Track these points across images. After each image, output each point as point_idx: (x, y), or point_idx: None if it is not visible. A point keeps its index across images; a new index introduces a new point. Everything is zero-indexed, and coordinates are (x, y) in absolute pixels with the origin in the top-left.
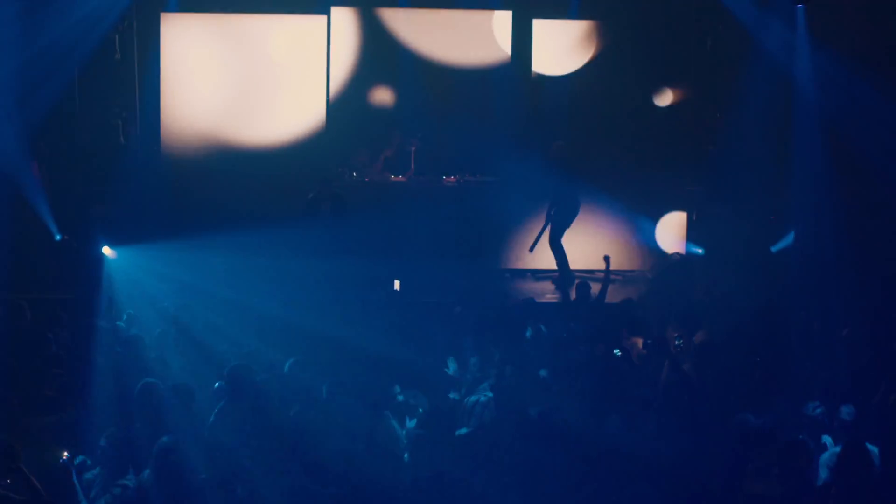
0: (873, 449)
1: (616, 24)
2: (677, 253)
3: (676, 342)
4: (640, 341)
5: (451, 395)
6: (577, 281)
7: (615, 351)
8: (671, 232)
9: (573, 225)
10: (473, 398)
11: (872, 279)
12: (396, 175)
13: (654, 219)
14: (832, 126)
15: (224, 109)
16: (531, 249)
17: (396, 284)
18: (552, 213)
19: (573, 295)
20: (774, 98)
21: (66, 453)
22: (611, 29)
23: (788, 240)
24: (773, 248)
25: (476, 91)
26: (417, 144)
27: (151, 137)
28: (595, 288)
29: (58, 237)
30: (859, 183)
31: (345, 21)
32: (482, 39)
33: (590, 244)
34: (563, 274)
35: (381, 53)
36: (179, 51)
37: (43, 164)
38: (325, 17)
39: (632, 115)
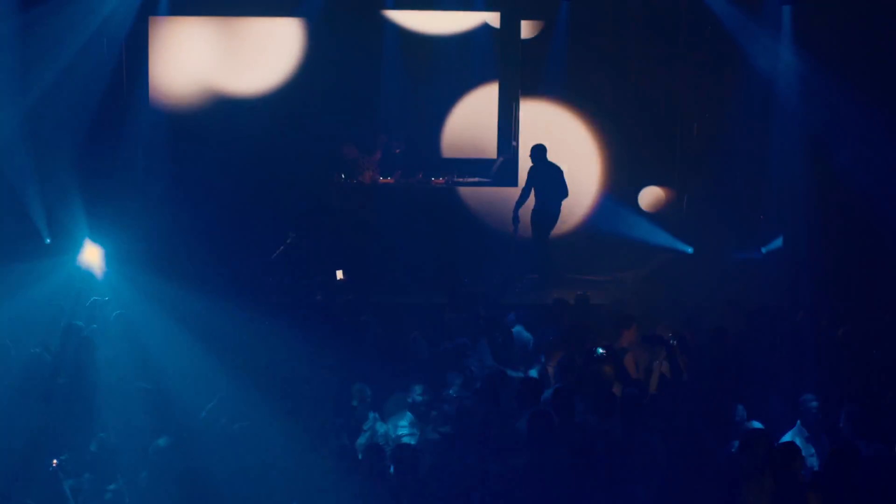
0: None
1: (604, 26)
2: (665, 254)
3: (672, 342)
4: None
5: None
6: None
7: (598, 349)
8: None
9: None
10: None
11: (851, 279)
12: (385, 177)
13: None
14: (815, 129)
15: (212, 111)
16: (515, 232)
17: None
18: (539, 200)
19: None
20: (761, 98)
21: (55, 461)
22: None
23: (778, 242)
24: (763, 250)
25: (461, 63)
26: (403, 147)
27: (139, 141)
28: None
29: (47, 240)
30: (841, 183)
31: (331, 19)
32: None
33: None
34: (543, 272)
35: (367, 41)
36: (168, 54)
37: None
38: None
39: (619, 118)
